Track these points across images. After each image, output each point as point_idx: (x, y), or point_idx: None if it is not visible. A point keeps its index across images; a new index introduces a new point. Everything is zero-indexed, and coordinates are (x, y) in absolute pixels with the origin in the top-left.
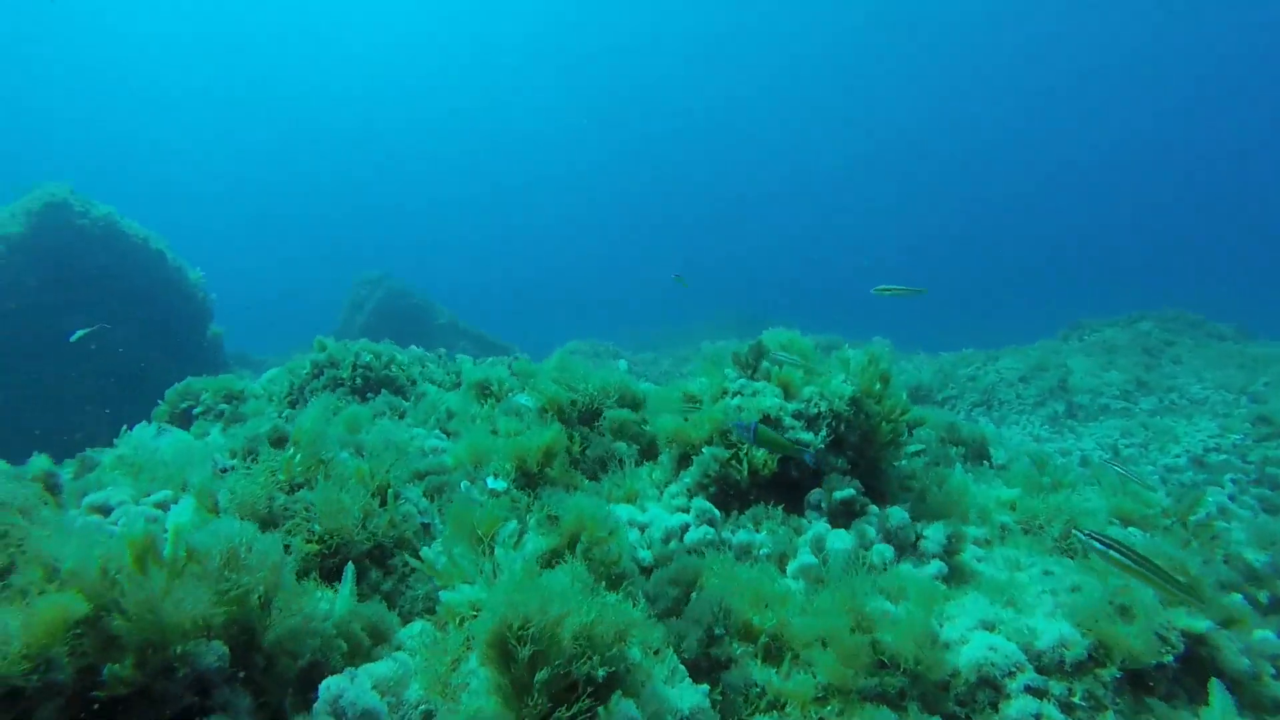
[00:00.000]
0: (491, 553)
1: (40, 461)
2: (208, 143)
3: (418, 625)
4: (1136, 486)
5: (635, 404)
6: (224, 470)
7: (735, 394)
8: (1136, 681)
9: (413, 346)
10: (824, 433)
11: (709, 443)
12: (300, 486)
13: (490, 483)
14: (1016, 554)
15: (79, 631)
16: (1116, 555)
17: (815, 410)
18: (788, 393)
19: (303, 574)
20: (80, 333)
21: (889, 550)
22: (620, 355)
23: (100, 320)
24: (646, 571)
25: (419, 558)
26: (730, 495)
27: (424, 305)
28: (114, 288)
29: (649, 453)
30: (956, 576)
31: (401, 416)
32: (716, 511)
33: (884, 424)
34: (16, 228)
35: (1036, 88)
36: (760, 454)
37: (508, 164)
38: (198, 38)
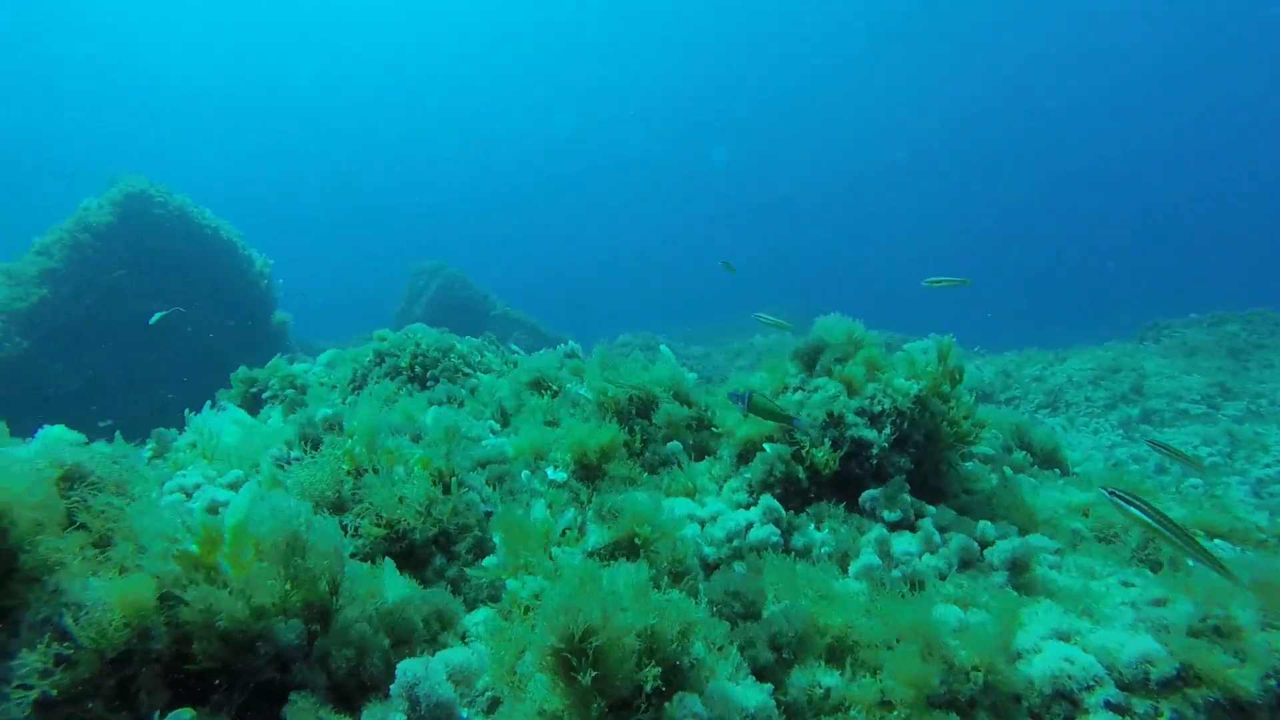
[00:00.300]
0: (549, 547)
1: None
2: (272, 139)
3: (482, 612)
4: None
5: (688, 399)
6: (285, 463)
7: (796, 389)
8: (1234, 704)
9: (469, 336)
10: (888, 430)
11: (770, 439)
12: (366, 472)
13: (550, 473)
14: (1091, 562)
15: (171, 605)
16: (1138, 513)
17: (879, 407)
18: (850, 389)
19: (370, 557)
20: (158, 315)
21: (955, 554)
22: (671, 350)
23: (175, 305)
24: (709, 567)
25: (482, 546)
26: (790, 493)
27: (479, 295)
28: (189, 274)
29: (705, 447)
30: (1026, 583)
31: (460, 405)
32: (783, 510)
33: (948, 424)
34: (106, 217)
35: (1106, 72)
36: (821, 453)
37: (558, 155)
38: (247, 32)
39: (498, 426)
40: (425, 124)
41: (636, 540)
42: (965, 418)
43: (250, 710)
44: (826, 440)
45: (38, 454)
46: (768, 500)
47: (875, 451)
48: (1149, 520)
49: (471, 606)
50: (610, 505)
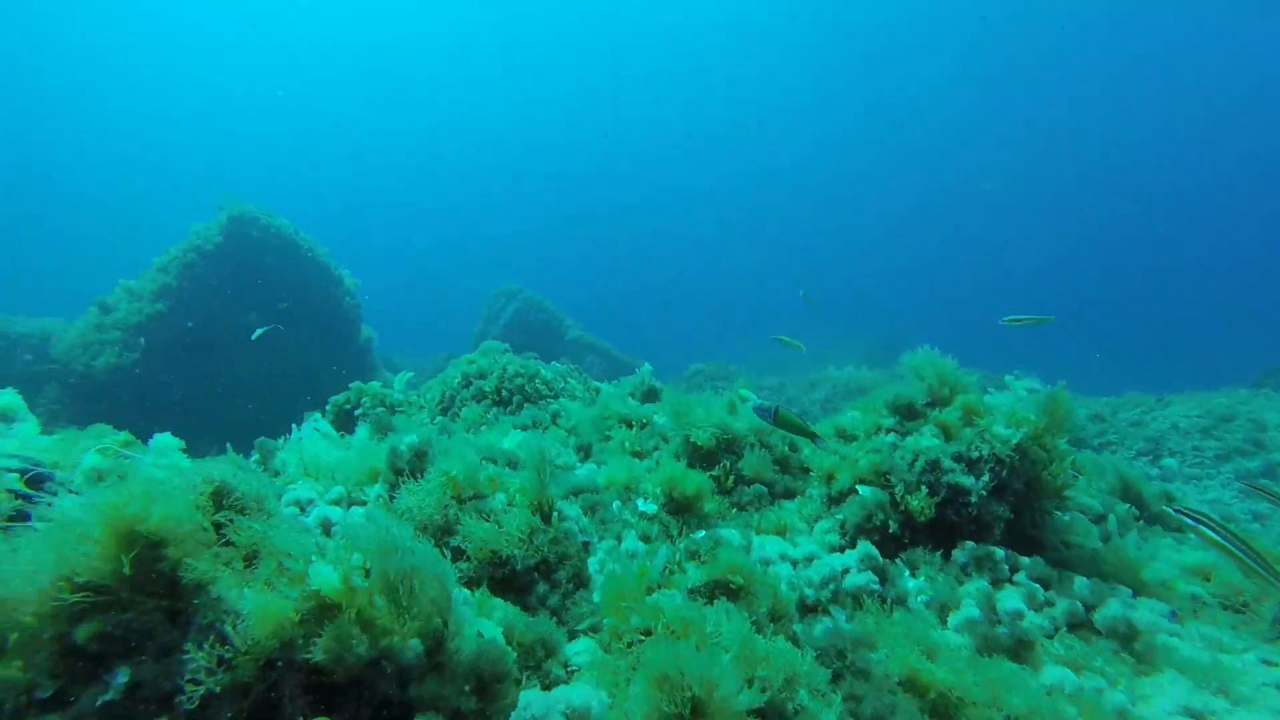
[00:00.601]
0: (650, 591)
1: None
2: (357, 164)
3: (583, 643)
4: None
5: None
6: (392, 487)
7: (889, 431)
8: None
9: (555, 362)
10: (986, 477)
11: (863, 481)
12: (471, 499)
13: (641, 505)
14: (1218, 633)
15: (309, 619)
16: (1208, 531)
17: (976, 454)
18: (947, 434)
19: (476, 582)
20: (260, 331)
21: (1062, 613)
22: (748, 380)
23: (273, 320)
24: (805, 608)
25: (583, 575)
26: (885, 538)
27: (555, 319)
28: (285, 292)
29: (793, 487)
30: (1143, 650)
31: (545, 430)
32: (881, 558)
33: (1049, 473)
34: (214, 238)
35: (1217, 96)
36: (916, 500)
37: (635, 180)
38: (332, 69)
39: (583, 454)
40: (501, 149)
41: (733, 584)
42: (1068, 463)
43: None
44: (922, 486)
45: (192, 471)
46: (866, 547)
47: (974, 500)
48: (1222, 541)
49: (572, 635)
50: (704, 542)
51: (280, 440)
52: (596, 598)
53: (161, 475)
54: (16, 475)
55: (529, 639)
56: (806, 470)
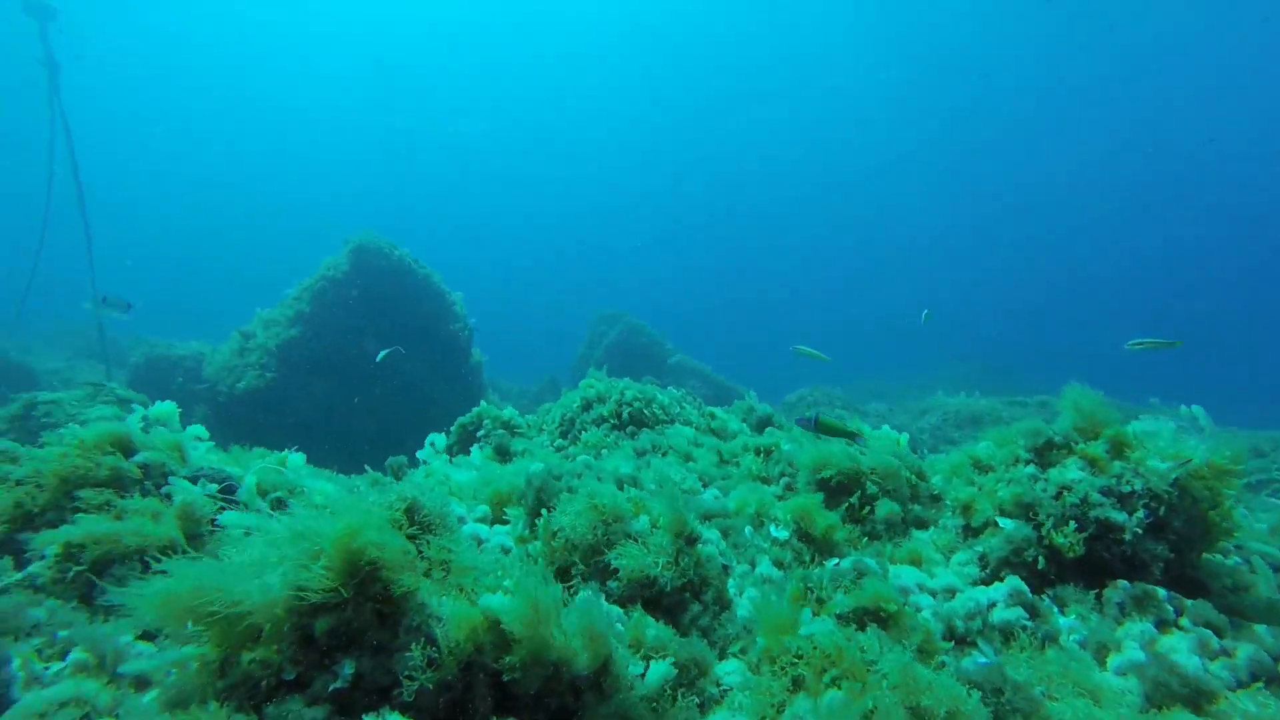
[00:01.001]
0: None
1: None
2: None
3: (732, 663)
4: None
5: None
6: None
7: (1029, 463)
8: None
9: (671, 387)
10: (1140, 514)
11: (1004, 513)
12: (616, 520)
13: (773, 531)
14: None
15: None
16: None
17: (1128, 488)
18: (1094, 467)
19: (626, 600)
20: (383, 353)
21: (1244, 663)
22: (853, 407)
23: (393, 343)
24: (954, 640)
25: (725, 597)
26: (1030, 573)
27: (656, 344)
28: (404, 316)
29: (924, 517)
30: None
31: (664, 455)
32: (1031, 594)
33: (1216, 513)
34: (342, 267)
35: None
36: (1064, 535)
37: (734, 202)
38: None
39: (704, 479)
40: (612, 170)
41: (883, 612)
42: (1237, 508)
43: None
44: (1070, 521)
45: (391, 491)
46: (1015, 582)
47: (1127, 537)
48: None
49: (721, 656)
50: (848, 570)
51: (404, 459)
52: (740, 615)
53: (366, 500)
54: (216, 485)
55: (683, 657)
56: (936, 498)
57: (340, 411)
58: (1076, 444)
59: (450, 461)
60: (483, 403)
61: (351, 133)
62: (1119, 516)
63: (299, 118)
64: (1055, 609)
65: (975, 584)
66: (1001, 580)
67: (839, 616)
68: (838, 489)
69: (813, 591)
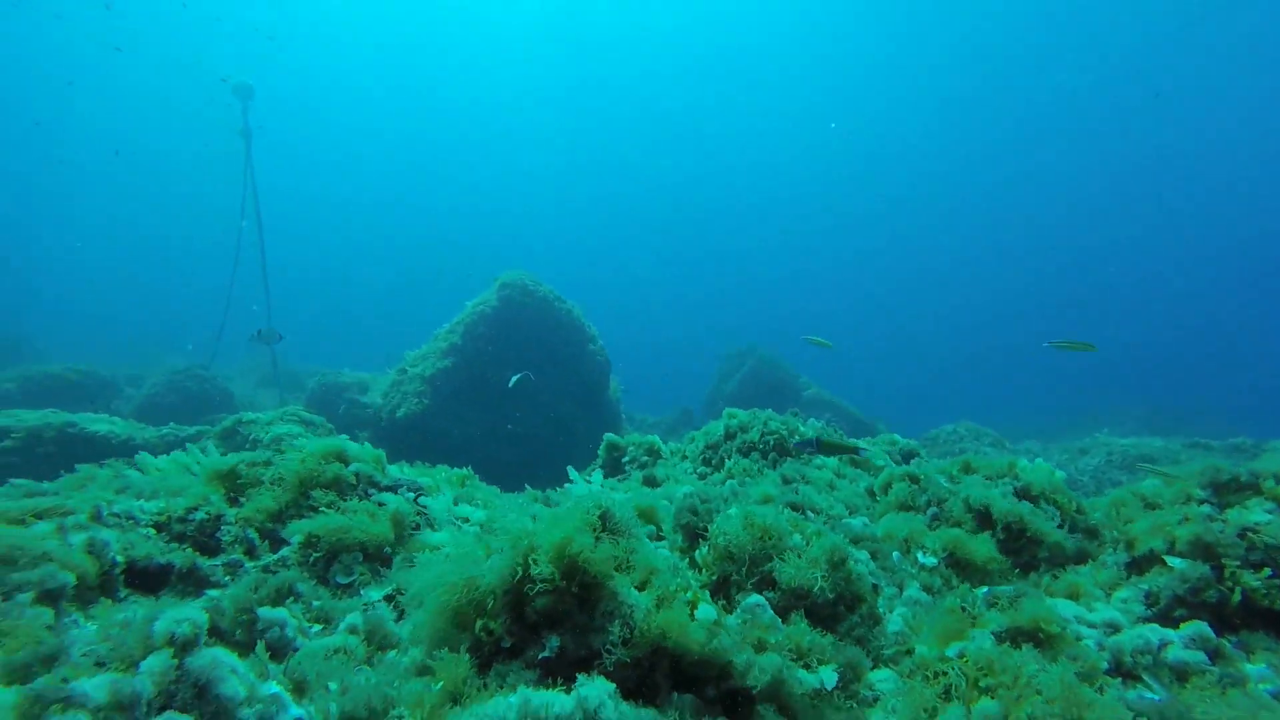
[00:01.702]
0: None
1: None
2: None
3: (885, 672)
4: None
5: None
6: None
7: (1203, 502)
8: None
9: (812, 420)
10: None
11: (1175, 552)
12: (772, 537)
13: (921, 558)
14: None
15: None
16: None
17: None
18: None
19: (786, 610)
20: (515, 377)
21: None
22: (1002, 445)
23: (537, 375)
24: (1120, 675)
25: (875, 616)
26: (1209, 616)
27: (790, 377)
28: (547, 349)
29: (1083, 549)
30: None
31: (806, 482)
32: (1215, 637)
33: None
34: (491, 302)
35: None
36: (1254, 579)
37: (869, 231)
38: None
39: (846, 507)
40: (748, 204)
41: (1042, 633)
42: None
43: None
44: (1265, 568)
45: (588, 499)
46: (1200, 627)
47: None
48: None
49: (874, 665)
50: (1000, 593)
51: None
52: (890, 630)
53: (572, 507)
54: (413, 494)
55: (839, 662)
56: (1094, 533)
57: (486, 439)
58: (1266, 482)
59: (600, 485)
60: (635, 434)
61: (482, 174)
62: None
63: (452, 160)
64: (1241, 654)
65: (1140, 622)
66: (1173, 619)
67: (994, 634)
68: (989, 521)
69: (967, 610)
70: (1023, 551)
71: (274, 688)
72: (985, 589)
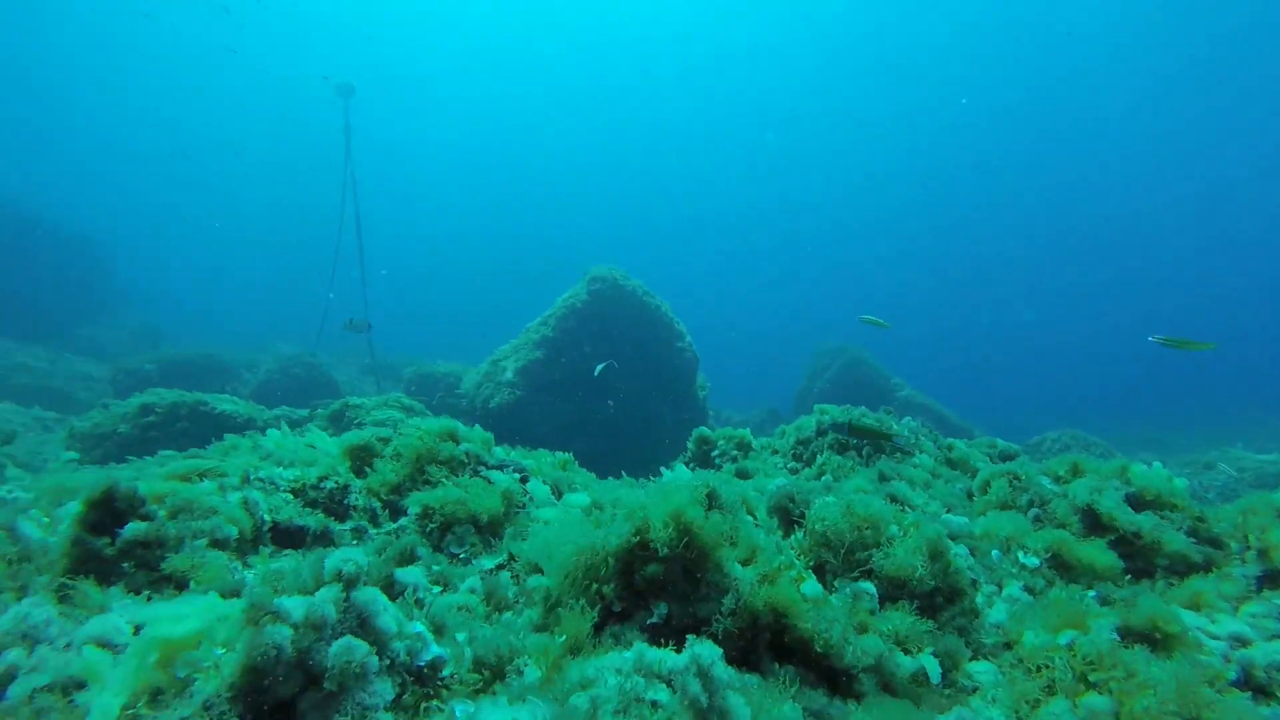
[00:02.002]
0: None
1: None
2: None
3: (983, 664)
4: None
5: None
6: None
7: None
8: None
9: (907, 419)
10: None
11: None
12: (869, 527)
13: (1022, 558)
14: None
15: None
16: None
17: None
18: None
19: (885, 599)
20: (600, 367)
21: None
22: (1112, 456)
23: (623, 369)
24: (1250, 689)
25: (973, 608)
26: None
27: (882, 377)
28: (635, 344)
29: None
30: None
31: (902, 480)
32: None
33: None
34: (582, 295)
35: None
36: None
37: (973, 230)
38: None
39: (942, 505)
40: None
41: (1159, 634)
42: None
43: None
44: None
45: (699, 477)
46: None
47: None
48: None
49: (973, 657)
50: (1112, 593)
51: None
52: (989, 622)
53: (682, 484)
54: (518, 475)
55: (938, 649)
56: (1217, 543)
57: (574, 430)
58: None
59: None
60: (726, 428)
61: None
62: None
63: (546, 159)
64: None
65: (1275, 639)
66: None
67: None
68: (1097, 524)
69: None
70: (1136, 558)
71: (419, 626)
72: (1094, 591)
